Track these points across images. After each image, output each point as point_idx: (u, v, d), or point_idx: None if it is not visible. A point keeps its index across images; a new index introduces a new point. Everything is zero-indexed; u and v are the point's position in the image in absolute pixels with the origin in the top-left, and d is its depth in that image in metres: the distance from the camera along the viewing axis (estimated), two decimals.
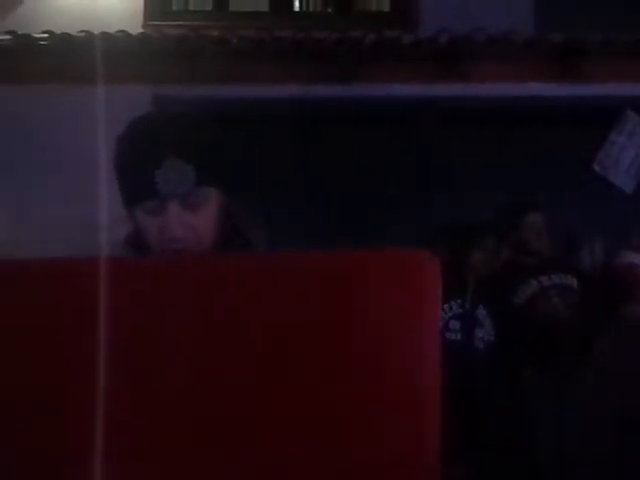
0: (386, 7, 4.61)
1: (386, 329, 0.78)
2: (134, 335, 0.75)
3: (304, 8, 4.66)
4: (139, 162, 1.14)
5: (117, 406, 0.74)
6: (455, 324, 2.77)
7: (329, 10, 4.69)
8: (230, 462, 0.76)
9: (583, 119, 3.74)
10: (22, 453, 0.76)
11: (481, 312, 2.85)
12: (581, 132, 3.77)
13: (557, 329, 2.85)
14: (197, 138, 1.19)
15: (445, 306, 2.73)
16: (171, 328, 0.76)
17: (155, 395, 0.76)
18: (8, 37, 3.64)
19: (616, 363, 1.50)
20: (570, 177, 3.78)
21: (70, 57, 3.64)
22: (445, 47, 3.77)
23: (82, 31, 3.72)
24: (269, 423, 0.78)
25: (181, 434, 0.78)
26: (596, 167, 3.91)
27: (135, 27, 4.08)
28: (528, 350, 2.72)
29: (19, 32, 3.67)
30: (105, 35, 3.71)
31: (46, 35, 3.67)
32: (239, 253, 1.22)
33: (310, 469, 0.80)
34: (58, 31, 3.72)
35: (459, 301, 2.83)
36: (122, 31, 3.81)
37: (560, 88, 3.77)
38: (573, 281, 3.06)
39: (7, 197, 3.74)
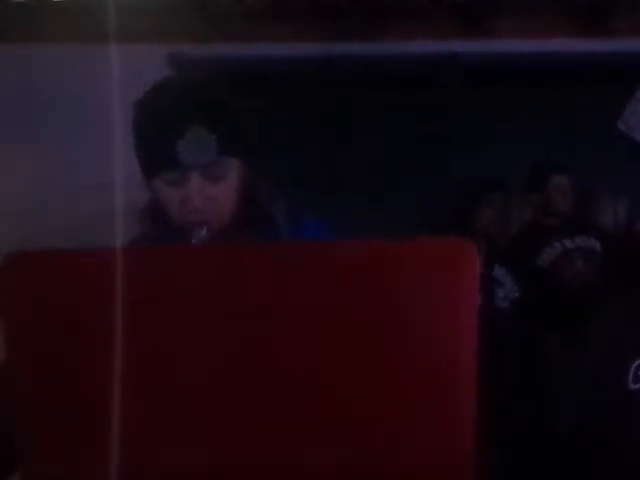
0: None
1: (423, 319, 0.76)
2: (171, 325, 0.74)
3: None
4: (161, 131, 1.11)
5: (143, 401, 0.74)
6: None
7: None
8: (260, 457, 0.76)
9: (609, 76, 3.64)
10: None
11: (498, 271, 2.81)
12: (607, 89, 3.67)
13: (580, 292, 2.83)
14: (219, 107, 1.16)
15: None
16: (203, 317, 0.75)
17: (186, 388, 0.75)
18: None
19: (623, 332, 1.49)
20: (595, 136, 3.70)
21: (85, 15, 3.58)
22: (466, 1, 3.67)
23: None
24: (303, 412, 0.77)
25: (207, 423, 0.77)
26: (621, 125, 3.82)
27: None
28: (551, 315, 2.70)
29: None
30: None
31: None
32: (263, 231, 1.21)
33: (344, 454, 0.79)
34: None
35: None
36: None
37: (586, 44, 3.66)
38: (597, 244, 3.03)
39: (24, 159, 3.74)
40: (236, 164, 1.18)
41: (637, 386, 1.39)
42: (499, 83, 3.69)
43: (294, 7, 3.67)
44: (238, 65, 3.53)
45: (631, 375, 1.39)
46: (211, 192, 1.14)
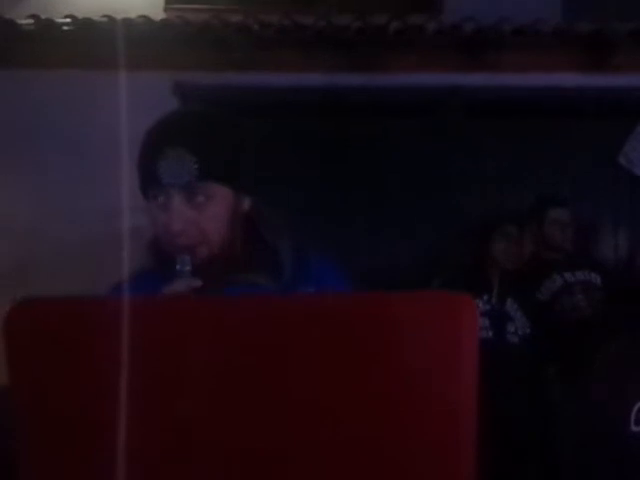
0: None
1: (422, 372, 0.77)
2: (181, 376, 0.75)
3: None
4: (147, 152, 1.15)
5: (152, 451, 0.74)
6: (484, 321, 2.72)
7: None
8: None
9: (610, 111, 3.68)
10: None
11: (511, 306, 2.80)
12: (608, 124, 3.71)
13: (580, 327, 2.82)
14: (207, 133, 1.17)
15: None
16: (207, 370, 0.75)
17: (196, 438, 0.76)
18: (31, 21, 3.62)
19: (632, 363, 1.48)
20: (595, 170, 3.73)
21: (92, 42, 3.62)
22: (471, 36, 3.71)
23: (104, 16, 3.69)
24: (304, 462, 0.77)
25: (210, 468, 0.77)
26: (621, 160, 3.85)
27: (156, 10, 4.05)
28: (552, 348, 2.69)
29: (42, 16, 3.65)
30: (127, 21, 3.69)
31: (69, 20, 3.64)
32: (266, 265, 1.21)
33: None
34: (80, 15, 3.70)
35: (485, 297, 2.79)
36: (143, 16, 3.78)
37: (588, 79, 3.70)
38: (597, 278, 3.03)
39: (28, 182, 3.75)
40: (222, 191, 1.18)
41: (639, 428, 1.39)
42: (501, 116, 3.72)
43: (300, 37, 3.71)
44: (243, 94, 3.56)
45: (633, 417, 1.39)
46: (191, 216, 1.14)
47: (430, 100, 3.72)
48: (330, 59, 3.71)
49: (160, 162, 1.11)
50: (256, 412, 0.76)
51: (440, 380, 0.76)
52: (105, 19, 3.68)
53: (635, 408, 1.39)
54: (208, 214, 1.15)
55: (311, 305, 0.80)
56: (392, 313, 0.77)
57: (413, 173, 3.71)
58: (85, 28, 3.67)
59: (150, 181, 1.14)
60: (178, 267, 1.11)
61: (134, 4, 3.99)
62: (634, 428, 1.38)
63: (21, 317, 0.75)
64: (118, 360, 0.73)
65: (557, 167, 3.70)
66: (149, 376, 0.75)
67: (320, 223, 3.25)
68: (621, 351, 1.59)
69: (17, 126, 3.74)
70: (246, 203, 1.23)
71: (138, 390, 0.74)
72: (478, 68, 3.72)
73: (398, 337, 0.76)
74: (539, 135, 3.74)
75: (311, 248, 1.28)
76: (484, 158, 3.67)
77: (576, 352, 2.70)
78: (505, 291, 2.82)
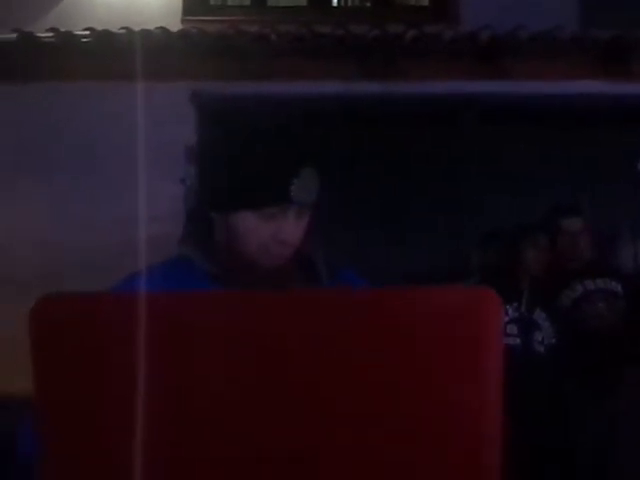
0: (425, 1, 4.56)
1: (446, 368, 0.76)
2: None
3: (342, 3, 4.63)
4: (274, 169, 1.16)
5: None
6: (512, 328, 2.71)
7: (367, 4, 4.65)
8: None
9: (628, 118, 3.66)
10: None
11: (539, 314, 2.79)
12: (626, 131, 3.69)
13: (601, 336, 2.80)
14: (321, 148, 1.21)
15: None
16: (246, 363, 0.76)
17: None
18: (50, 34, 3.67)
19: None
20: (614, 177, 3.70)
21: (111, 54, 3.66)
22: (487, 44, 3.71)
23: (123, 28, 3.73)
24: (323, 458, 0.77)
25: (228, 465, 0.77)
26: None
27: (173, 21, 4.09)
28: (575, 358, 2.67)
29: (61, 29, 3.70)
30: (145, 32, 3.72)
31: (87, 32, 3.69)
32: (306, 277, 1.23)
33: None
34: (99, 28, 3.74)
35: (515, 304, 2.78)
36: (161, 27, 3.82)
37: (605, 86, 3.69)
38: (618, 286, 3.00)
39: (49, 195, 3.79)
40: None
41: None
42: (518, 124, 3.71)
43: (317, 46, 3.73)
44: (261, 103, 3.58)
45: None
46: (299, 230, 1.19)
47: (447, 108, 3.72)
48: (347, 68, 3.72)
49: (293, 180, 1.15)
50: (278, 407, 0.76)
51: (464, 375, 0.76)
52: (123, 31, 3.72)
53: None
54: (302, 227, 1.21)
55: (330, 300, 0.80)
56: (414, 307, 0.77)
57: (430, 181, 3.71)
58: (104, 40, 3.71)
59: (274, 197, 1.16)
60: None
61: (152, 16, 4.03)
62: None
63: (45, 312, 0.76)
64: (140, 355, 0.74)
65: (575, 174, 3.68)
66: (170, 371, 0.76)
67: (338, 232, 3.25)
68: None
69: (38, 138, 3.79)
70: None
71: (160, 384, 0.75)
72: (495, 76, 3.72)
73: (421, 331, 0.76)
74: (557, 142, 3.72)
75: (336, 259, 1.30)
76: (501, 165, 3.66)
77: (598, 361, 2.67)
78: (534, 300, 2.81)
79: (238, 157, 1.18)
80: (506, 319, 2.70)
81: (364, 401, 0.76)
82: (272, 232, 1.17)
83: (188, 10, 4.32)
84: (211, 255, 1.21)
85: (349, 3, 4.64)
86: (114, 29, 3.73)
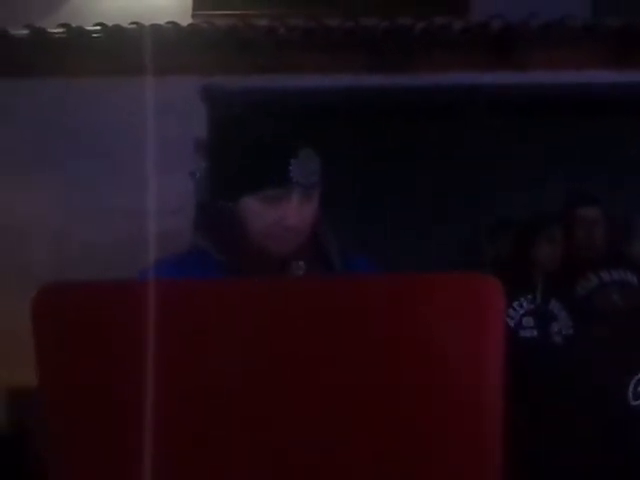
0: None
1: (447, 353, 0.76)
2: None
3: None
4: (275, 151, 1.16)
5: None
6: (529, 321, 2.69)
7: None
8: None
9: None
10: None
11: (555, 305, 2.77)
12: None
13: (615, 327, 2.77)
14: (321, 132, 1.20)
15: (515, 303, 2.66)
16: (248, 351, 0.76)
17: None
18: (61, 30, 3.68)
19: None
20: (629, 167, 3.66)
21: (121, 49, 3.67)
22: (498, 33, 3.68)
23: (133, 23, 3.74)
24: (330, 444, 0.77)
25: (240, 455, 0.77)
26: None
27: (184, 15, 4.09)
28: (591, 349, 2.64)
29: (72, 25, 3.71)
30: (155, 27, 3.73)
31: (98, 28, 3.70)
32: (320, 266, 1.23)
33: None
34: (109, 23, 3.75)
35: (529, 296, 2.75)
36: (172, 22, 3.82)
37: (618, 75, 3.65)
38: (634, 277, 2.97)
39: (58, 189, 3.81)
40: (319, 188, 1.21)
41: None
42: (531, 114, 3.68)
43: (326, 39, 3.72)
44: (271, 96, 3.57)
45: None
46: (305, 213, 1.17)
47: (459, 99, 3.70)
48: (357, 60, 3.71)
49: (291, 161, 1.14)
50: (286, 394, 0.76)
51: (465, 359, 0.76)
52: (134, 26, 3.73)
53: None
54: (310, 210, 1.19)
55: (332, 286, 0.80)
56: (415, 293, 0.77)
57: (442, 172, 3.69)
58: (115, 35, 3.72)
59: (274, 178, 1.15)
60: (293, 271, 1.15)
61: (162, 10, 4.03)
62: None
63: (48, 300, 0.76)
64: (144, 343, 0.74)
65: (590, 165, 3.65)
66: (174, 358, 0.76)
67: (348, 223, 3.24)
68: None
69: (49, 132, 3.81)
70: None
71: (164, 372, 0.74)
72: (506, 66, 3.69)
73: (423, 317, 0.76)
74: (570, 132, 3.69)
75: (349, 249, 1.30)
76: (513, 156, 3.63)
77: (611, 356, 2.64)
78: (549, 291, 2.78)
79: (247, 149, 1.18)
80: (521, 312, 2.68)
81: (368, 385, 0.76)
82: (277, 216, 1.16)
83: (198, 4, 4.32)
84: (223, 245, 1.21)
85: None
86: (125, 24, 3.74)
